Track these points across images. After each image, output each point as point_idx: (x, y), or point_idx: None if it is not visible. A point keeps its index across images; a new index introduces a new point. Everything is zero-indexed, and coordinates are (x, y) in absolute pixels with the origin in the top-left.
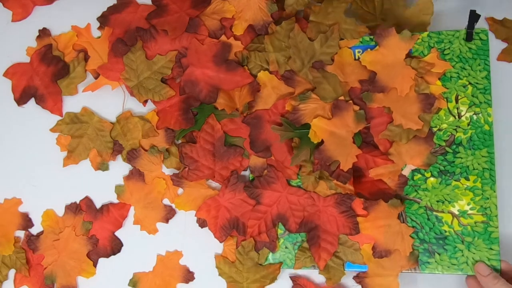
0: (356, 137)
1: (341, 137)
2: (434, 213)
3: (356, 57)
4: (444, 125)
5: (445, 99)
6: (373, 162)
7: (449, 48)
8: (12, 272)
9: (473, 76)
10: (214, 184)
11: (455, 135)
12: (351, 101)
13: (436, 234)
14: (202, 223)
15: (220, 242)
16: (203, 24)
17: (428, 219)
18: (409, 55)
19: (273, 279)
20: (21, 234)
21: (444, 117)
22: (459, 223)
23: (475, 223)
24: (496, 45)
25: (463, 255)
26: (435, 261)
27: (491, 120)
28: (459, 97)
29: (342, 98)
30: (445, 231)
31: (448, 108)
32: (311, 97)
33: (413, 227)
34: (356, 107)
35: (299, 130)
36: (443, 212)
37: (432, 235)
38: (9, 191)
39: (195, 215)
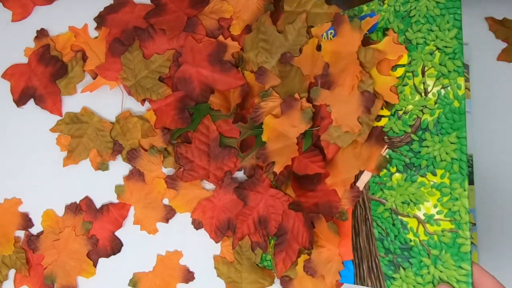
0: (306, 138)
1: (287, 137)
2: (399, 217)
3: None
4: (410, 106)
5: (400, 89)
6: (309, 167)
7: (415, 8)
8: (12, 272)
9: (441, 38)
10: (209, 186)
11: (421, 118)
12: (301, 99)
13: (401, 244)
14: (197, 225)
15: (216, 242)
16: (200, 24)
17: (393, 224)
18: (367, 41)
19: (271, 282)
20: (21, 234)
21: (410, 97)
22: (425, 231)
23: (442, 231)
24: (496, 45)
25: (429, 273)
26: (400, 278)
27: (462, 94)
28: (426, 68)
29: (297, 95)
30: (410, 240)
31: (414, 85)
32: (271, 95)
33: (379, 233)
34: (306, 105)
35: (257, 128)
36: (408, 216)
37: (397, 245)
38: (9, 191)
39: (191, 216)
